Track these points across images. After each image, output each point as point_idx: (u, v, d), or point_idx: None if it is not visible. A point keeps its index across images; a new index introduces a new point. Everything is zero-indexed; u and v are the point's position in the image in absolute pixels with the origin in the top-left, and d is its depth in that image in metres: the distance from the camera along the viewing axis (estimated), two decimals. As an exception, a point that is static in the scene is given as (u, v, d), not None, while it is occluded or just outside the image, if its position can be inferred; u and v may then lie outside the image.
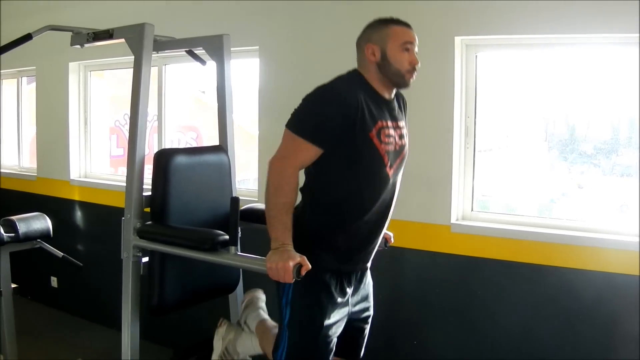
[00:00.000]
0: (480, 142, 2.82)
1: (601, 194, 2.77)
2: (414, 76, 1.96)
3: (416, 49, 1.96)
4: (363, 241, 1.99)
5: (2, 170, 4.74)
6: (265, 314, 2.40)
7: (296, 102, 1.89)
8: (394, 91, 2.02)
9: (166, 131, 3.82)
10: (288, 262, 1.75)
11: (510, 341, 2.69)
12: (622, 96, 2.63)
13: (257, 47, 3.27)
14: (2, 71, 4.51)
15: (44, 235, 2.94)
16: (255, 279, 2.44)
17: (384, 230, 2.06)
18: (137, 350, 2.31)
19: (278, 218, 1.82)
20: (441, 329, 2.88)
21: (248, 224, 2.40)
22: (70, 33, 2.56)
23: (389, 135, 1.92)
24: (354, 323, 2.11)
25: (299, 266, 1.77)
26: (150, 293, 2.26)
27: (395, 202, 2.06)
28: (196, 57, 2.85)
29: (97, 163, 4.33)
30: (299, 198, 1.92)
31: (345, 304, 2.01)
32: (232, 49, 2.55)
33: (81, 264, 3.22)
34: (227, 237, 2.03)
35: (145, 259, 2.30)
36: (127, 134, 2.48)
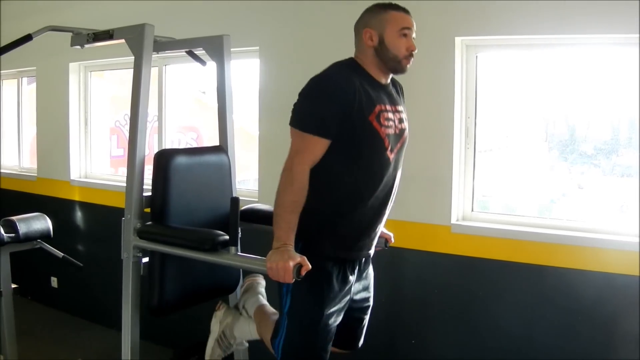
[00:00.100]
0: (480, 142, 2.82)
1: (601, 194, 2.76)
2: (411, 62, 1.96)
3: (414, 35, 1.96)
4: (366, 227, 1.99)
5: (2, 171, 4.75)
6: (264, 300, 2.39)
7: (296, 102, 1.89)
8: (390, 76, 2.03)
9: (166, 131, 3.83)
10: (288, 262, 1.76)
11: (510, 341, 2.69)
12: (622, 96, 2.63)
13: (258, 47, 3.27)
14: (2, 71, 4.51)
15: (44, 236, 2.94)
16: (255, 279, 2.44)
17: (386, 216, 2.05)
18: (137, 351, 2.31)
19: (283, 216, 1.82)
20: (441, 329, 2.88)
21: (248, 224, 2.41)
22: (71, 34, 2.56)
23: (388, 119, 1.93)
24: (354, 313, 2.12)
25: (299, 266, 1.77)
26: (150, 293, 2.26)
27: (396, 202, 2.06)
28: (196, 58, 2.85)
29: (98, 163, 4.33)
30: None
31: (347, 293, 2.01)
32: (232, 49, 2.55)
33: (81, 264, 3.22)
34: (227, 237, 2.03)
35: (145, 260, 2.30)
36: (127, 135, 2.48)
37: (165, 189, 2.24)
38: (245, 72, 3.60)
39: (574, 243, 2.53)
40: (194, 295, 2.41)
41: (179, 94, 3.99)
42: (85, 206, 4.22)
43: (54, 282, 4.46)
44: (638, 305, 2.38)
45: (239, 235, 2.16)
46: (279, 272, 1.77)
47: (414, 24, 1.97)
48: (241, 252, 2.16)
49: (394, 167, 1.99)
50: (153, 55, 2.38)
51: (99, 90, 4.33)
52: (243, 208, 2.36)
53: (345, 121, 1.85)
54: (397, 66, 1.96)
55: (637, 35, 2.33)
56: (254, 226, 2.41)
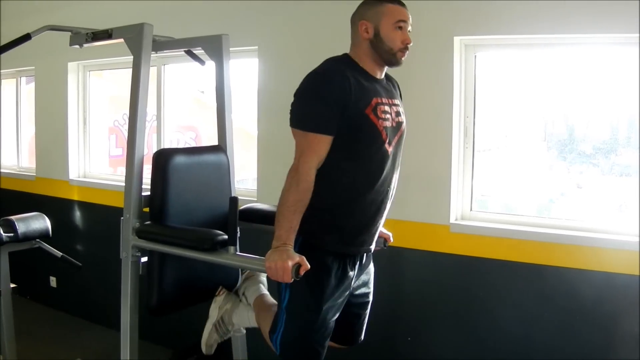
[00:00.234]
0: (479, 142, 2.82)
1: (600, 193, 2.76)
2: (406, 55, 1.96)
3: (409, 28, 1.96)
4: (366, 222, 1.99)
5: (1, 170, 4.74)
6: (264, 289, 2.39)
7: (295, 102, 1.89)
8: (385, 70, 2.03)
9: (165, 131, 3.82)
10: (287, 262, 1.76)
11: (510, 341, 2.69)
12: (621, 96, 2.63)
13: (256, 47, 3.27)
14: (1, 71, 4.50)
15: (43, 235, 2.94)
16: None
17: (387, 212, 2.05)
18: (136, 350, 2.31)
19: (286, 216, 1.82)
20: (440, 328, 2.88)
21: (247, 224, 2.40)
22: (69, 33, 2.56)
23: (385, 112, 1.93)
24: (353, 308, 2.12)
25: (298, 266, 1.77)
26: (149, 293, 2.26)
27: (394, 201, 2.06)
28: (195, 57, 2.85)
29: (96, 163, 4.33)
30: None
31: (347, 288, 2.01)
32: (231, 48, 2.55)
33: (80, 264, 3.22)
34: (226, 237, 2.03)
35: (144, 259, 2.30)
36: (126, 134, 2.48)
37: (164, 189, 2.24)
38: (244, 71, 3.60)
39: (573, 242, 2.53)
40: (193, 294, 2.41)
41: (178, 94, 3.99)
42: (84, 206, 4.22)
43: (52, 281, 4.46)
44: (638, 305, 2.38)
45: (238, 234, 2.16)
46: (277, 272, 1.77)
47: (410, 17, 1.97)
48: (240, 252, 2.16)
49: (393, 160, 1.99)
50: (152, 55, 2.37)
51: (98, 89, 4.33)
52: (242, 207, 2.36)
53: (343, 115, 1.85)
54: (392, 59, 1.96)
55: (637, 35, 2.33)
56: (253, 226, 2.41)
